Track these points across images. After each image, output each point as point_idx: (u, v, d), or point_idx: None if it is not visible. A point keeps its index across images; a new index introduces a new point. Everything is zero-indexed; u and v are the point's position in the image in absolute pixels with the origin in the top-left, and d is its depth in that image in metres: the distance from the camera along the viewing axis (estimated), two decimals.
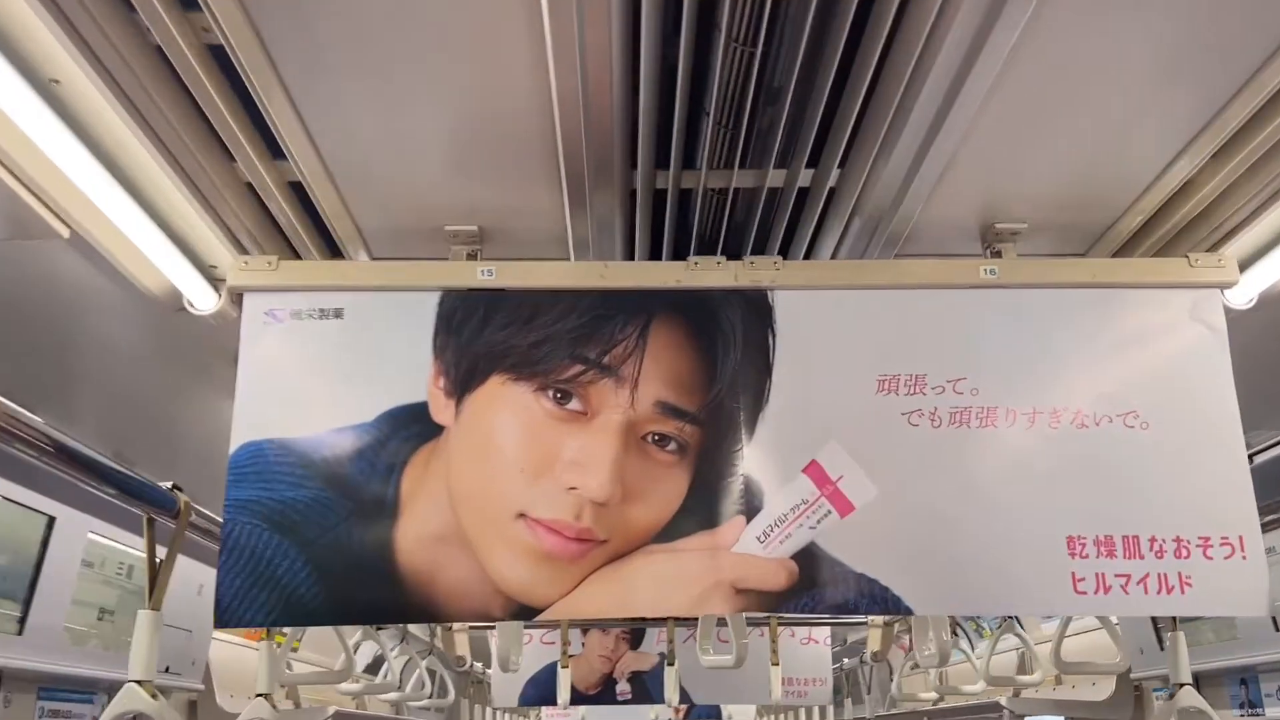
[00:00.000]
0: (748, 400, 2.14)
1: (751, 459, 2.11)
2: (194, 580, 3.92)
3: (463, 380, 2.14)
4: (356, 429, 2.12)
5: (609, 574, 2.06)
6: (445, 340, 2.17)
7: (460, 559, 2.05)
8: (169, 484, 2.12)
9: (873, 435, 2.13)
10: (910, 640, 5.01)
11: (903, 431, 2.13)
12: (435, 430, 2.12)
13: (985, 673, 3.96)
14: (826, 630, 6.29)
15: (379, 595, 2.03)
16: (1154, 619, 4.33)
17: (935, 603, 2.04)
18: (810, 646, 6.25)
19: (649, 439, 2.11)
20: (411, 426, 2.13)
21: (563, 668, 4.50)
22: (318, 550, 2.03)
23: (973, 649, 6.62)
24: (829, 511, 2.08)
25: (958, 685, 4.39)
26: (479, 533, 2.07)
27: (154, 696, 1.84)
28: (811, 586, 2.04)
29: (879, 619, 5.40)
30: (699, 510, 2.09)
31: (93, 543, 3.36)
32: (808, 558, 2.05)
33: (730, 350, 2.17)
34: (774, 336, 2.19)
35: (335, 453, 2.10)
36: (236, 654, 5.06)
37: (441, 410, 2.13)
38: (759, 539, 2.06)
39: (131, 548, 3.92)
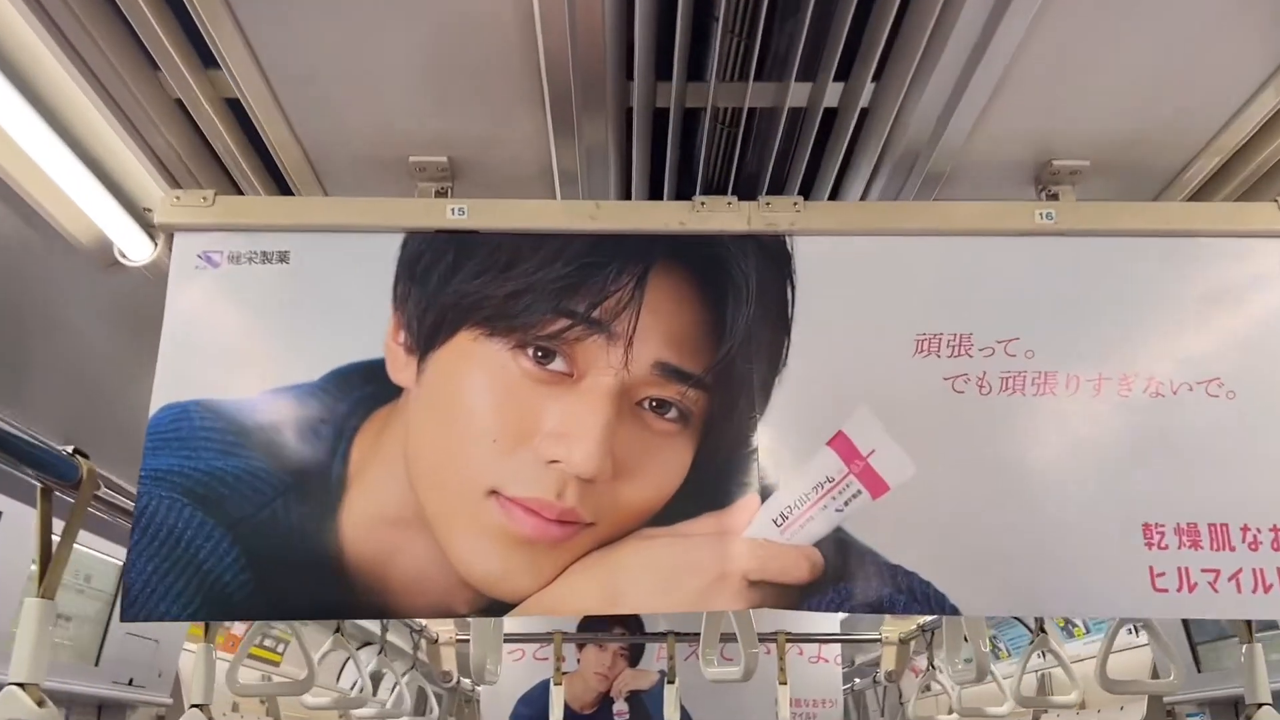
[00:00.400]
0: (762, 361, 1.82)
1: (767, 429, 1.78)
2: None
3: (427, 335, 1.82)
4: (299, 390, 1.79)
5: (596, 563, 1.73)
6: (407, 289, 1.85)
7: (419, 544, 1.73)
8: (69, 448, 1.79)
9: (910, 403, 1.80)
10: (929, 658, 4.66)
11: (945, 399, 1.80)
12: (392, 392, 1.80)
13: (1016, 693, 3.60)
14: (836, 648, 5.92)
15: (320, 586, 1.70)
16: (1189, 634, 4.02)
17: (985, 601, 1.71)
18: (820, 665, 5.89)
19: (646, 405, 1.79)
20: (364, 387, 1.80)
21: (555, 685, 4.27)
22: (248, 530, 1.70)
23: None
24: (858, 491, 1.75)
25: (980, 707, 4.04)
26: (442, 513, 1.74)
27: (40, 704, 1.50)
28: (838, 580, 1.71)
29: (893, 634, 5.04)
30: (705, 489, 1.76)
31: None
32: (834, 546, 1.72)
33: (742, 304, 1.84)
34: (793, 289, 1.86)
35: (273, 417, 1.78)
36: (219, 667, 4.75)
37: (401, 369, 1.81)
38: (776, 523, 1.73)
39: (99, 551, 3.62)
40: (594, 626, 5.50)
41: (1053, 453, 1.78)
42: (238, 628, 5.18)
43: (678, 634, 4.65)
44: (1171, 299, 1.86)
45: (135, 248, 2.10)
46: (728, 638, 2.69)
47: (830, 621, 5.85)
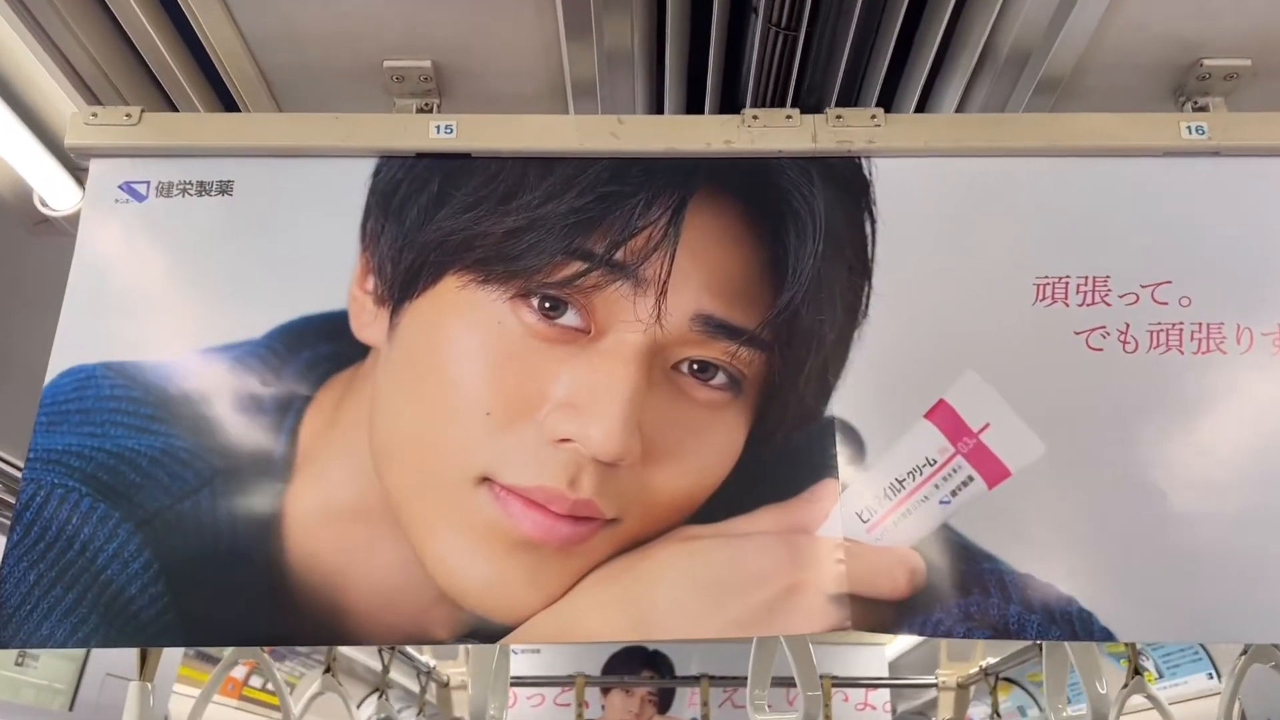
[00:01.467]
0: (836, 313, 1.40)
1: (845, 398, 1.36)
2: None
3: (403, 281, 1.41)
4: (237, 350, 1.39)
5: (621, 573, 1.31)
6: (379, 225, 1.45)
7: (385, 546, 1.31)
8: None
9: (1032, 364, 1.37)
10: (993, 707, 4.18)
11: (1078, 359, 1.38)
12: (356, 352, 1.39)
13: None
14: (885, 694, 5.43)
15: (255, 602, 1.28)
16: None
17: (1147, 624, 1.27)
18: (867, 713, 5.40)
19: (684, 369, 1.37)
20: (320, 346, 1.40)
21: None
22: (162, 528, 1.29)
23: (1041, 713, 5.74)
24: (970, 478, 1.32)
25: None
26: (417, 506, 1.33)
27: None
28: (946, 593, 1.27)
29: (951, 679, 4.56)
30: (764, 475, 1.34)
31: None
32: (939, 548, 1.29)
33: (807, 241, 1.43)
34: (873, 222, 1.45)
35: (202, 384, 1.37)
36: (210, 715, 4.36)
37: (368, 324, 1.41)
38: (861, 518, 1.30)
39: None
40: (620, 667, 5.08)
41: (1226, 426, 1.35)
42: (237, 669, 4.77)
43: (712, 677, 4.24)
44: None
45: (58, 192, 1.71)
46: (778, 681, 2.23)
47: (878, 663, 5.39)
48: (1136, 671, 3.09)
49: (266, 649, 2.72)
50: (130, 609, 1.26)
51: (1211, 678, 4.20)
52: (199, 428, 1.35)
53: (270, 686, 5.08)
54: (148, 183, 1.48)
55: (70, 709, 3.48)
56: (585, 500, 1.30)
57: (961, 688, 4.54)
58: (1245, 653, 2.36)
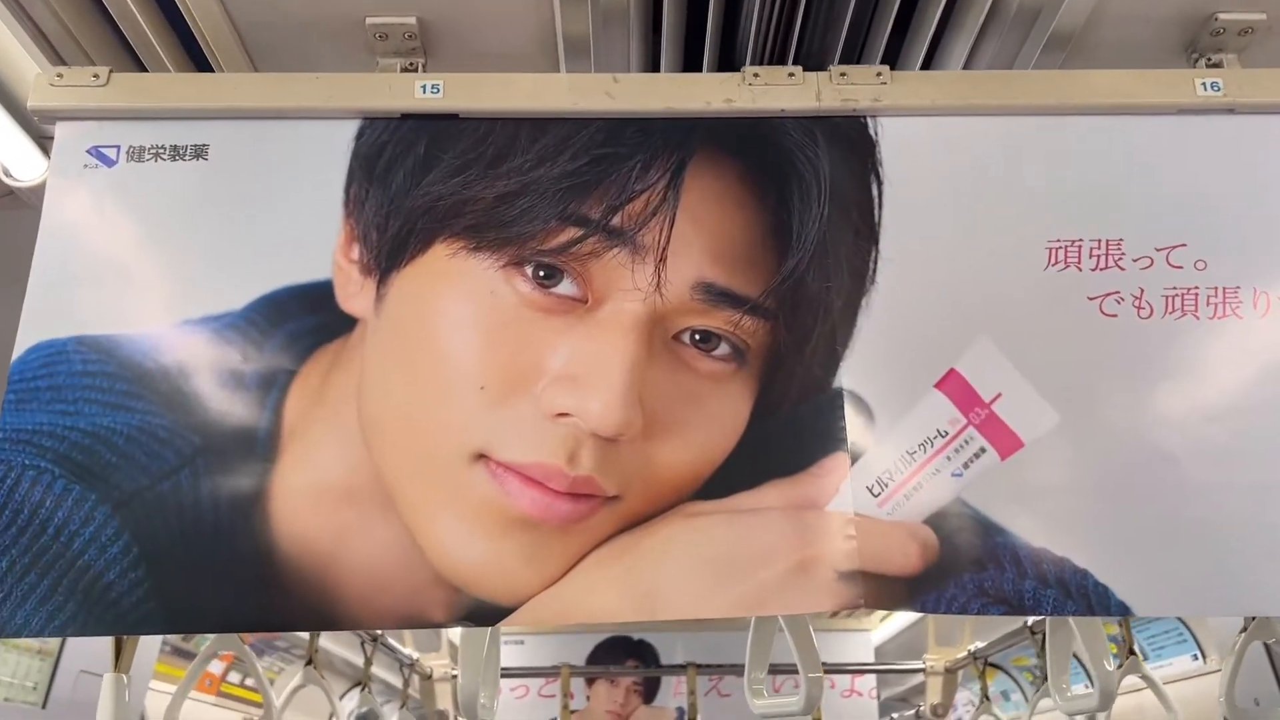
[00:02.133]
0: (843, 279, 1.34)
1: (853, 368, 1.31)
2: None
3: (390, 250, 1.35)
4: (217, 322, 1.32)
5: (623, 551, 1.25)
6: (364, 190, 1.38)
7: (377, 527, 1.25)
8: None
9: (1044, 331, 1.33)
10: (983, 690, 4.15)
11: (1091, 325, 1.33)
12: (342, 325, 1.33)
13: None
14: (872, 680, 5.41)
15: (240, 587, 1.22)
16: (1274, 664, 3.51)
17: (1167, 598, 1.22)
18: (853, 700, 5.37)
19: (686, 339, 1.31)
20: (304, 318, 1.33)
21: None
22: (141, 510, 1.22)
23: (1027, 700, 5.74)
24: (982, 449, 1.27)
25: None
26: (410, 485, 1.27)
27: None
28: (960, 568, 1.22)
29: (939, 663, 4.53)
30: (770, 448, 1.29)
31: None
32: (953, 522, 1.24)
33: (812, 204, 1.37)
34: (880, 184, 1.40)
35: (180, 359, 1.30)
36: (186, 711, 4.28)
37: (354, 294, 1.34)
38: (872, 491, 1.25)
39: None
40: (605, 657, 5.03)
41: (1244, 393, 1.31)
42: (214, 664, 4.69)
43: (698, 665, 4.19)
44: None
45: (23, 162, 1.64)
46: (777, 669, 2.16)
47: (864, 649, 5.37)
48: (1131, 652, 3.07)
49: (247, 640, 2.66)
50: (109, 595, 1.19)
51: (1197, 659, 4.20)
52: (178, 404, 1.28)
53: (250, 682, 5.00)
54: (118, 147, 1.41)
55: (43, 707, 3.40)
56: (585, 477, 1.24)
57: (949, 672, 4.52)
58: (1245, 630, 2.34)
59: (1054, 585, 1.22)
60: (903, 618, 6.02)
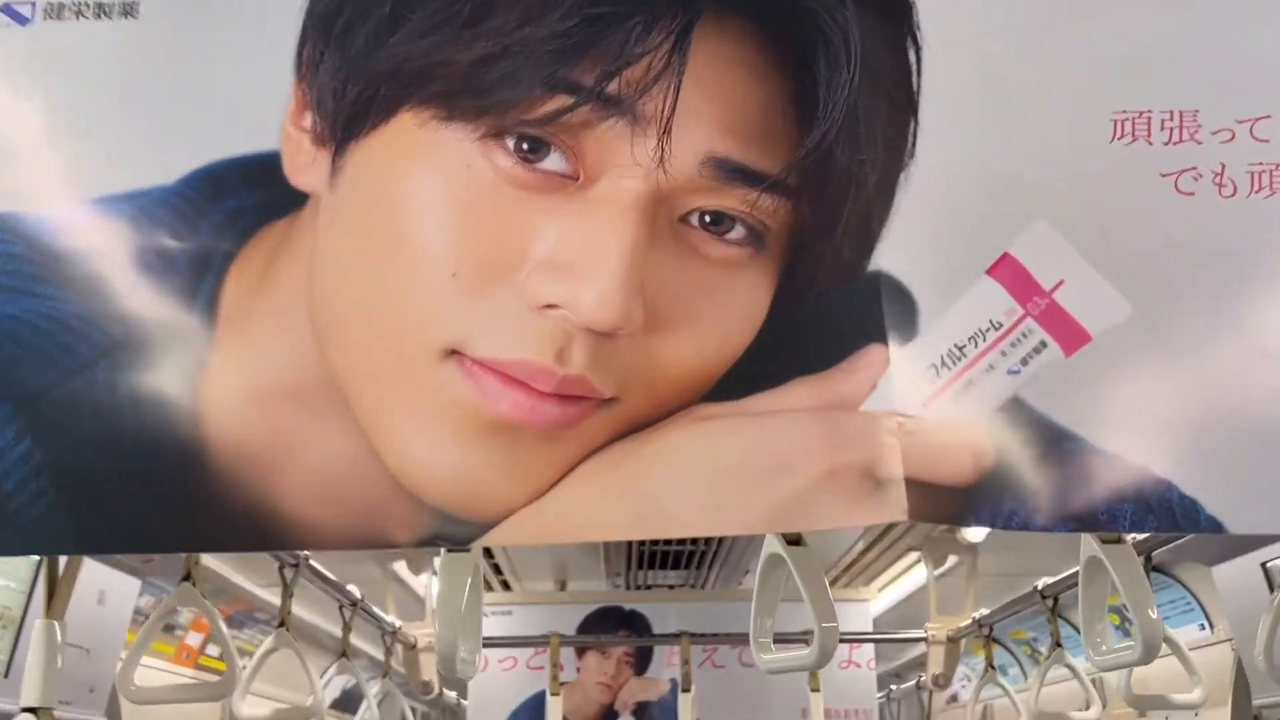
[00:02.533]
0: (877, 151, 1.16)
1: (892, 250, 1.12)
2: (93, 585, 3.00)
3: (348, 117, 1.15)
4: (142, 199, 1.13)
5: (621, 459, 1.07)
6: (318, 51, 1.18)
7: (330, 432, 1.07)
8: None
9: (1112, 212, 1.15)
10: (988, 659, 4.01)
11: (1166, 204, 1.15)
12: (291, 201, 1.14)
13: (1035, 710, 3.01)
14: (870, 650, 5.28)
15: (165, 501, 1.03)
16: None
17: (1265, 514, 1.06)
18: (851, 671, 5.25)
19: (695, 221, 1.12)
20: (245, 194, 1.14)
21: (552, 695, 3.73)
22: (48, 411, 1.04)
23: (1025, 677, 5.62)
24: (1043, 343, 1.09)
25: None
26: (369, 385, 1.08)
27: None
28: (1019, 478, 1.05)
29: (941, 632, 4.38)
30: (795, 341, 1.11)
31: None
32: (1011, 425, 1.06)
33: (840, 69, 1.18)
34: (918, 49, 1.21)
35: (100, 239, 1.11)
36: (159, 680, 4.13)
37: (305, 167, 1.15)
38: (914, 388, 1.07)
39: None
40: (596, 627, 4.90)
41: None
42: (193, 637, 4.53)
43: (692, 635, 4.05)
44: None
45: None
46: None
47: (863, 619, 5.25)
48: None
49: (226, 614, 2.47)
50: (7, 508, 1.01)
51: (1204, 629, 4.08)
52: (95, 290, 1.09)
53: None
54: (33, 4, 1.21)
55: (5, 676, 3.24)
56: (576, 376, 1.06)
57: (952, 641, 4.37)
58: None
59: (1131, 499, 1.04)
60: (900, 587, 5.89)
